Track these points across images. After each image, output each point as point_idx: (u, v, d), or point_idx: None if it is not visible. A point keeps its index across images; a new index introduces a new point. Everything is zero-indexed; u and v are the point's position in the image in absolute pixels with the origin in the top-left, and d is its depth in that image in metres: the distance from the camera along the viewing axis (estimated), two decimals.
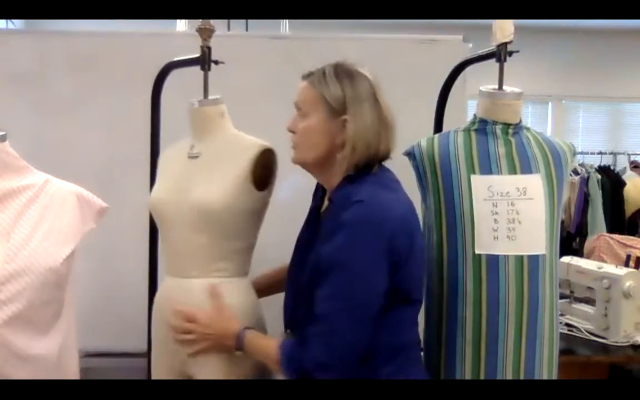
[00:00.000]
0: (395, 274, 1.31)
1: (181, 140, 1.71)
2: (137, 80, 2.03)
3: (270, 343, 1.38)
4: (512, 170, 1.57)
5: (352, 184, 1.36)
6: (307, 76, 1.43)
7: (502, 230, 1.52)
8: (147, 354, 1.77)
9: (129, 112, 2.23)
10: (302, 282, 1.40)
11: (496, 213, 1.53)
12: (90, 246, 1.52)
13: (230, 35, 2.45)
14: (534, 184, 1.56)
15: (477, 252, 1.52)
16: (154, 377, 1.65)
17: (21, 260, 1.22)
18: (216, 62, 1.67)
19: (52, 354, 1.29)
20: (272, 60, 2.30)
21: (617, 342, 2.24)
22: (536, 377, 1.54)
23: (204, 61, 1.66)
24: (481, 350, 1.52)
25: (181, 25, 3.20)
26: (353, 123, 1.35)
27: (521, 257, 1.52)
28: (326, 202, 1.48)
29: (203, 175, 1.56)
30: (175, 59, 1.80)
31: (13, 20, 4.41)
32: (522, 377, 1.52)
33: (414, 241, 1.35)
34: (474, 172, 1.56)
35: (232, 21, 2.59)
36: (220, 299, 1.50)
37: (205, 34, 1.64)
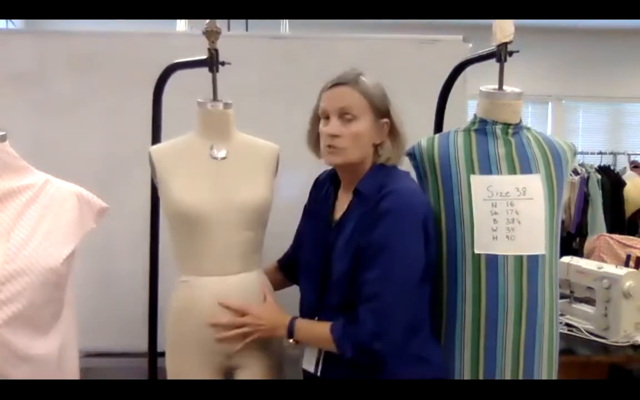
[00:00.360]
0: (426, 253, 1.44)
1: (178, 138, 1.70)
2: (137, 80, 2.03)
3: (320, 327, 1.48)
4: (512, 171, 1.57)
5: (377, 176, 1.48)
6: (344, 82, 1.48)
7: (502, 230, 1.52)
8: (149, 354, 1.78)
9: (129, 112, 2.23)
10: (332, 270, 1.49)
11: (495, 213, 1.53)
12: (90, 246, 1.52)
13: (230, 35, 2.45)
14: (534, 184, 1.56)
15: (476, 251, 1.52)
16: (185, 377, 1.61)
17: (21, 260, 1.22)
18: (223, 64, 1.67)
19: (52, 354, 1.29)
20: (272, 60, 2.30)
21: (617, 342, 2.24)
22: (535, 375, 1.54)
23: (212, 63, 1.66)
24: (480, 349, 1.52)
25: (181, 25, 3.20)
26: (395, 123, 1.50)
27: (520, 257, 1.52)
28: (341, 196, 1.57)
29: (240, 175, 1.64)
30: (180, 60, 1.80)
31: (13, 20, 4.41)
32: (520, 375, 1.53)
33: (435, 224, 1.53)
34: (473, 172, 1.56)
35: (232, 21, 2.59)
36: (272, 294, 1.66)
37: (213, 36, 1.65)
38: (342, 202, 1.55)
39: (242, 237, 1.61)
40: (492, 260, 1.52)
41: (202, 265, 1.60)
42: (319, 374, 1.51)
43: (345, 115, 1.47)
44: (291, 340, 1.53)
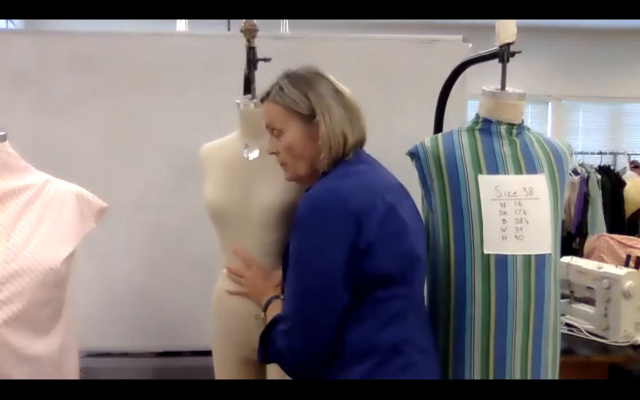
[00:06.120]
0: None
1: (226, 137, 1.73)
2: (137, 80, 2.03)
3: None
4: (518, 170, 1.57)
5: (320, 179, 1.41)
6: (267, 96, 1.46)
7: (510, 230, 1.52)
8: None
9: (129, 112, 2.23)
10: None
11: (504, 213, 1.53)
12: (90, 246, 1.52)
13: (230, 35, 2.45)
14: (539, 183, 1.57)
15: (485, 252, 1.52)
16: (219, 361, 1.72)
17: (21, 260, 1.22)
18: (265, 60, 1.72)
19: (52, 354, 1.29)
20: (272, 60, 2.30)
21: (617, 342, 2.24)
22: (542, 374, 1.54)
23: (250, 61, 1.69)
24: (490, 349, 1.52)
25: (181, 25, 3.21)
26: (323, 120, 1.39)
27: (529, 256, 1.52)
28: None
29: (269, 175, 1.63)
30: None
31: (13, 20, 4.41)
32: (529, 374, 1.53)
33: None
34: (480, 172, 1.56)
35: (232, 21, 2.59)
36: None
37: (249, 34, 1.67)
38: None
39: (266, 237, 1.63)
40: (502, 261, 1.52)
41: (232, 260, 1.67)
42: None
43: (274, 131, 1.45)
44: (263, 315, 1.53)
